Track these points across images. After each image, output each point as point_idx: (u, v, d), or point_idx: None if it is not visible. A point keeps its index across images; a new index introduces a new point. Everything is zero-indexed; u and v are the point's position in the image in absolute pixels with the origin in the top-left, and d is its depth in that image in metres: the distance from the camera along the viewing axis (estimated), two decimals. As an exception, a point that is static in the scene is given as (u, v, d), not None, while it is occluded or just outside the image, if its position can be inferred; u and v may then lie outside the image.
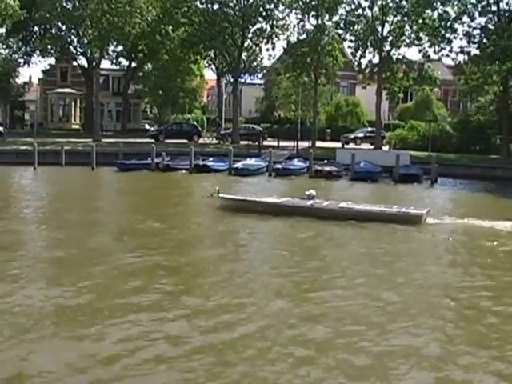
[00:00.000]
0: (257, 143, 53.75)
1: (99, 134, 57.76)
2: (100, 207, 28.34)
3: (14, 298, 13.22)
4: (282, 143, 54.19)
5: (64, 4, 60.33)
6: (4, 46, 62.07)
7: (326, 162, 44.97)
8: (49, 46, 65.80)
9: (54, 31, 65.23)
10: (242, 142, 57.76)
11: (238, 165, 43.18)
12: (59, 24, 63.68)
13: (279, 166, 43.57)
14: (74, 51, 68.70)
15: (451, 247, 20.37)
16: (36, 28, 65.89)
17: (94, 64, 62.83)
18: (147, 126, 77.82)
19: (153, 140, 56.42)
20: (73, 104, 74.59)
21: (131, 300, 13.28)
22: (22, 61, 65.54)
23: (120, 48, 68.54)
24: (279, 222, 23.58)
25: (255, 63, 62.91)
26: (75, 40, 66.72)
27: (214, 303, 13.29)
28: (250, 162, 44.98)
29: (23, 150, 47.61)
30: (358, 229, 22.61)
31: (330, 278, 15.97)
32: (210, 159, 45.42)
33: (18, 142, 51.25)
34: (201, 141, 60.26)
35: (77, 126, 73.51)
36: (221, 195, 25.83)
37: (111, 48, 67.11)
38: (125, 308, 12.77)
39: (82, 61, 70.38)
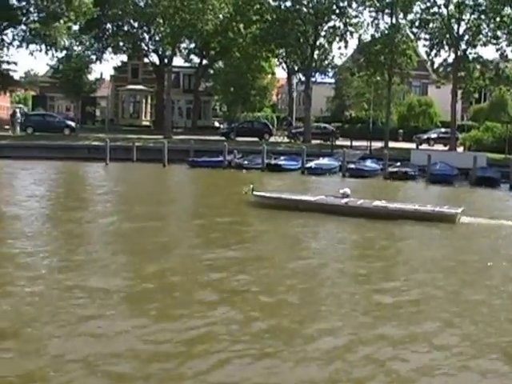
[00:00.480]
0: (328, 143, 53.00)
1: (170, 131, 57.94)
2: (172, 202, 28.61)
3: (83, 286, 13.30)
4: (354, 143, 53.32)
5: (136, 1, 61.13)
6: (77, 43, 63.01)
7: (399, 163, 43.89)
8: (121, 43, 66.81)
9: (126, 28, 66.17)
10: (313, 142, 57.07)
11: (312, 164, 42.70)
12: (131, 21, 64.49)
13: (353, 166, 42.74)
14: (146, 48, 69.15)
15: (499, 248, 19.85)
16: (109, 25, 66.27)
17: (166, 61, 63.04)
18: (217, 124, 77.95)
19: (223, 137, 56.34)
20: (143, 101, 74.88)
21: (201, 294, 13.09)
22: (94, 57, 66.16)
23: (192, 45, 68.92)
24: (323, 221, 23.30)
25: (326, 62, 62.16)
26: (147, 37, 67.29)
27: (289, 299, 13.10)
28: (323, 161, 44.44)
29: (95, 145, 48.07)
30: (399, 227, 22.22)
31: (401, 279, 15.45)
32: (282, 158, 45.06)
33: (89, 138, 51.80)
34: (272, 139, 59.84)
35: (147, 123, 73.82)
36: (255, 193, 26.06)
37: (183, 45, 67.41)
38: (196, 302, 12.56)
39: (154, 58, 70.77)
